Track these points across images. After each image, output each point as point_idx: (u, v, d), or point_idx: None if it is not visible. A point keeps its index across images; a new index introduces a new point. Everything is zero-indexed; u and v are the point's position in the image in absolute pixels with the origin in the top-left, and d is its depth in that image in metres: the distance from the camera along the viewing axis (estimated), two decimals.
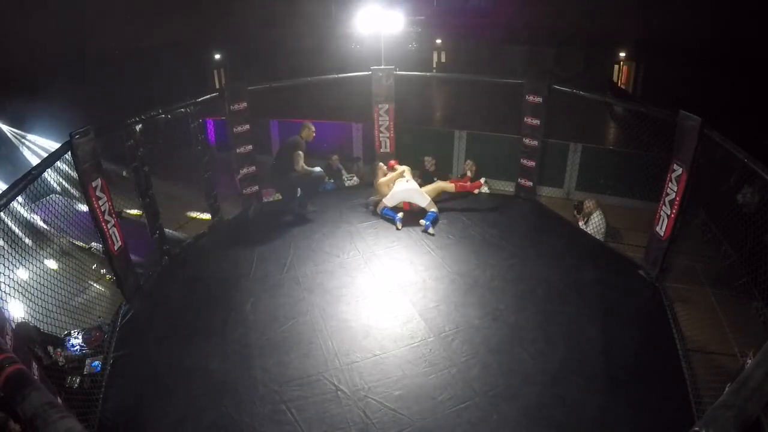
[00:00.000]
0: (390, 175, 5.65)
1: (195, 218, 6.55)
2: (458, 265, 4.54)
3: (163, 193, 5.20)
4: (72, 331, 3.71)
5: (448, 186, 5.75)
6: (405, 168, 5.77)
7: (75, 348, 3.65)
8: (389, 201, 5.47)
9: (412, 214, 5.43)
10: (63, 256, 4.96)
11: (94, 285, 4.79)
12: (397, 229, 5.25)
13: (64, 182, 4.35)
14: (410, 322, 3.83)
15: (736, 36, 14.57)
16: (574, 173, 7.80)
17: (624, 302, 4.06)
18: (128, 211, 5.24)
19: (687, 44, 15.88)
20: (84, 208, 3.93)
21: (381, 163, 6.07)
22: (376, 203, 5.66)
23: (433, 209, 5.35)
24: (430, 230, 5.14)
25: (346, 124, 9.20)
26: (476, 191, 5.87)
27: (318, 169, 5.59)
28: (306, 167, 5.44)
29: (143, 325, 3.98)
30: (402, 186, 5.44)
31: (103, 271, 5.03)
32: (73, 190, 4.41)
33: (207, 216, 5.74)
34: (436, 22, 22.95)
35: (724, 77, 14.34)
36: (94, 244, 5.23)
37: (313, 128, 5.57)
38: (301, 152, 5.38)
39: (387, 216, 5.44)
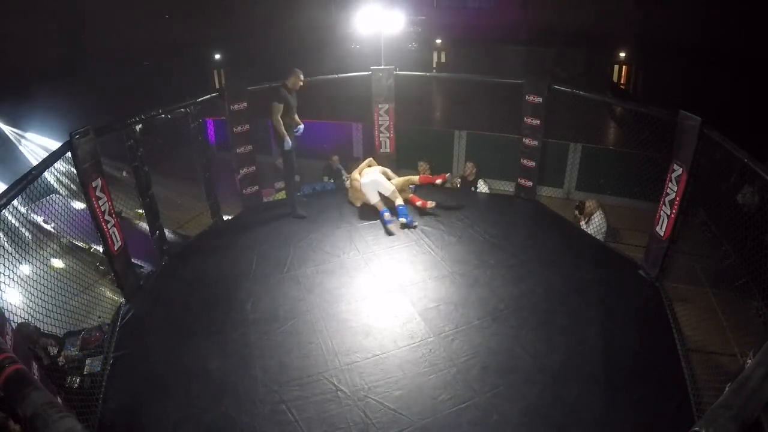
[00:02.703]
0: (356, 170, 5.75)
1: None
2: (458, 265, 4.54)
3: (164, 193, 5.21)
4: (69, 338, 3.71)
5: (414, 177, 5.78)
6: (369, 159, 5.94)
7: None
8: (372, 197, 5.42)
9: (414, 212, 5.43)
10: (63, 255, 4.96)
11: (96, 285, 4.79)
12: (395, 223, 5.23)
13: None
14: (410, 322, 3.83)
15: (735, 36, 14.57)
16: (574, 173, 7.81)
17: (624, 302, 4.06)
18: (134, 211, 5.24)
19: (687, 44, 15.89)
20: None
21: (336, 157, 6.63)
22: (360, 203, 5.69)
23: (400, 202, 5.33)
24: (414, 223, 5.18)
25: (346, 124, 9.20)
26: (438, 182, 5.60)
27: (288, 142, 5.11)
28: (280, 125, 4.97)
29: (143, 325, 3.98)
30: (367, 177, 5.50)
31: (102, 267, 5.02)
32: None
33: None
34: (436, 22, 22.95)
35: (724, 77, 14.35)
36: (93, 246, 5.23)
37: (302, 75, 5.11)
38: (277, 103, 4.92)
39: (387, 224, 5.23)
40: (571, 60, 20.69)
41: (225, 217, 5.65)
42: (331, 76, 6.42)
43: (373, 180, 5.45)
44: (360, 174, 5.67)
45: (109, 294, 4.53)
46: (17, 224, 3.43)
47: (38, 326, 3.48)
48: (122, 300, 4.16)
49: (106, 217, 3.91)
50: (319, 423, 3.00)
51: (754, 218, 3.74)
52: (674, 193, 3.99)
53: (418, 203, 5.50)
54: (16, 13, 13.22)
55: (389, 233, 5.12)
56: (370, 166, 5.82)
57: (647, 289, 4.25)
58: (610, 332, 3.66)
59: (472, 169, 6.47)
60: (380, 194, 5.41)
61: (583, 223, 5.62)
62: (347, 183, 6.02)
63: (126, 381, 3.44)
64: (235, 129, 5.53)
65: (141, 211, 5.22)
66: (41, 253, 4.31)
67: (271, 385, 3.29)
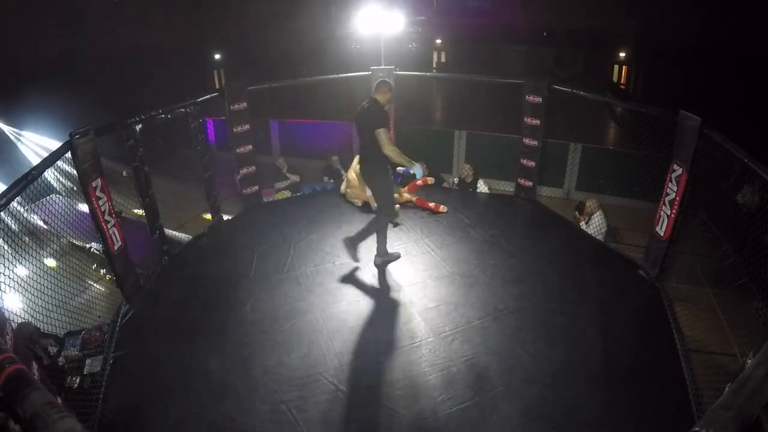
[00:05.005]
0: (354, 166, 5.70)
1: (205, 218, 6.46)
2: (458, 265, 4.53)
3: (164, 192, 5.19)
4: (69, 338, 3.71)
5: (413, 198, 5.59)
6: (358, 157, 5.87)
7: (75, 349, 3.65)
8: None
9: (412, 212, 5.43)
10: (63, 255, 4.96)
11: (94, 285, 4.79)
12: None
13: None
14: (410, 322, 3.83)
15: (735, 36, 14.57)
16: (574, 173, 7.81)
17: (624, 302, 4.06)
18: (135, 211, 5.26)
19: (687, 44, 15.88)
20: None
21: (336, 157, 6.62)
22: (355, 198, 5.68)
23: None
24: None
25: (346, 124, 9.19)
26: (431, 204, 5.42)
27: (418, 166, 4.10)
28: (401, 155, 3.99)
29: (143, 325, 3.98)
30: None
31: (102, 271, 5.03)
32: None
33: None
34: (436, 22, 22.97)
35: (724, 77, 14.35)
36: (93, 244, 5.23)
37: (392, 87, 4.22)
38: (385, 128, 4.00)
39: None
40: (571, 60, 20.71)
41: (225, 217, 5.65)
42: (331, 76, 6.42)
43: None
44: (356, 171, 5.66)
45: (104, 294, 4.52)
46: (17, 224, 3.43)
47: (38, 326, 3.48)
48: (122, 300, 4.16)
49: (106, 217, 3.90)
50: (319, 423, 3.00)
51: (754, 218, 3.74)
52: (674, 193, 3.99)
53: (431, 204, 5.44)
54: (15, 12, 13.22)
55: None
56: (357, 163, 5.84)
57: (647, 289, 4.25)
58: (610, 332, 3.67)
59: (469, 171, 6.46)
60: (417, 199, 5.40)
61: (583, 223, 5.62)
62: (343, 185, 5.99)
63: (126, 381, 3.43)
64: (235, 129, 5.53)
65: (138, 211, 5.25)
66: (41, 252, 4.31)
67: (271, 385, 3.29)
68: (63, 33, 14.59)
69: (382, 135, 3.95)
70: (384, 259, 4.53)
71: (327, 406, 3.11)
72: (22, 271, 3.28)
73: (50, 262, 4.65)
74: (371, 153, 4.08)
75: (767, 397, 1.29)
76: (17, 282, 3.12)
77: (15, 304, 3.08)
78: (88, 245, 5.45)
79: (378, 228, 4.38)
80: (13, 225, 3.56)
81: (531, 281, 4.29)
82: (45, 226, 4.62)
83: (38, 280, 3.31)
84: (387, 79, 4.30)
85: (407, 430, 2.94)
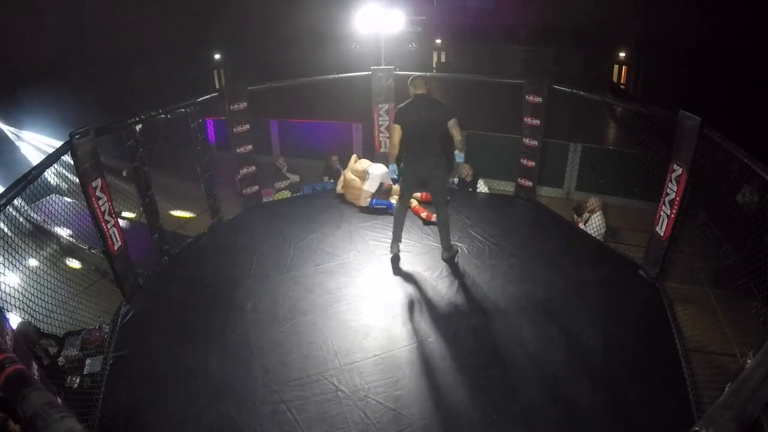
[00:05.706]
0: (352, 166, 5.81)
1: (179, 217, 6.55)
2: (458, 265, 4.53)
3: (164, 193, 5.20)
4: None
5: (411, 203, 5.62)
6: (354, 156, 6.02)
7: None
8: (372, 187, 5.52)
9: (411, 212, 5.43)
10: (63, 255, 4.97)
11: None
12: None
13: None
14: (410, 322, 3.83)
15: (735, 36, 14.57)
16: (574, 173, 7.82)
17: (624, 302, 4.06)
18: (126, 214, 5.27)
19: (687, 44, 15.88)
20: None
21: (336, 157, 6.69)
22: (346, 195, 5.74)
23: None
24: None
25: (346, 124, 9.20)
26: (424, 215, 5.32)
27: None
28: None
29: (143, 325, 3.98)
30: (380, 170, 5.57)
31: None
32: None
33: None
34: (436, 22, 22.96)
35: (724, 77, 14.35)
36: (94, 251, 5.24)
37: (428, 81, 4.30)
38: (456, 117, 4.05)
39: (380, 206, 5.53)
40: (571, 60, 20.72)
41: (225, 217, 5.65)
42: (331, 76, 6.42)
43: (384, 173, 5.55)
44: (356, 170, 5.69)
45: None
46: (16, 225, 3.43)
47: (38, 327, 3.48)
48: (122, 300, 4.16)
49: (106, 217, 3.90)
50: (319, 423, 3.00)
51: (754, 218, 3.74)
52: (674, 193, 3.99)
53: (423, 215, 5.36)
54: (15, 11, 13.22)
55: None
56: (355, 162, 5.89)
57: (647, 289, 4.24)
58: (610, 332, 3.67)
59: (468, 171, 6.46)
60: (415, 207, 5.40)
61: (582, 224, 5.61)
62: (339, 185, 5.98)
63: (126, 381, 3.43)
64: (235, 129, 5.53)
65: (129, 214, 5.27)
66: (41, 253, 4.31)
67: (271, 385, 3.29)
68: (62, 33, 14.57)
69: (455, 125, 4.11)
70: (451, 254, 4.59)
71: (327, 406, 3.11)
72: (26, 266, 3.28)
73: (74, 264, 4.67)
74: (436, 147, 4.16)
75: (767, 397, 1.29)
76: (17, 282, 3.12)
77: (14, 303, 3.07)
78: (87, 246, 5.44)
79: (446, 222, 4.50)
80: (20, 219, 3.56)
81: (531, 281, 4.29)
82: (52, 229, 4.62)
83: (38, 280, 3.32)
84: (419, 74, 4.50)
85: (407, 430, 2.94)
